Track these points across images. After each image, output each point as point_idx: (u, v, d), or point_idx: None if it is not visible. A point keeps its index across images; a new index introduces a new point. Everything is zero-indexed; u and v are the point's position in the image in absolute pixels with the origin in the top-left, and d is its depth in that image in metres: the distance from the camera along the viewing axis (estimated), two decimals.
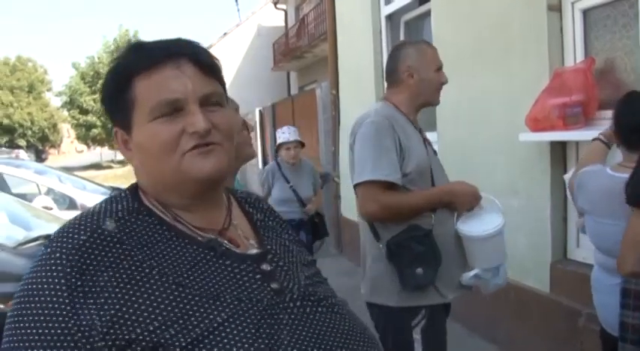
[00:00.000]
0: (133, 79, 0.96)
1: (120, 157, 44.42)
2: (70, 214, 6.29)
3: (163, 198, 1.01)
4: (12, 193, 7.07)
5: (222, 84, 1.05)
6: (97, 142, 40.31)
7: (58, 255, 0.88)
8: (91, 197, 7.37)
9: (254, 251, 1.05)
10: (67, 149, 70.75)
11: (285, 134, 5.13)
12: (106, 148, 44.01)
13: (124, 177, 24.27)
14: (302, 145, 5.19)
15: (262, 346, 0.88)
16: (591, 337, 3.15)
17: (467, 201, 2.33)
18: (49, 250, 0.90)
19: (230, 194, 1.16)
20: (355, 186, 2.30)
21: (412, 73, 2.38)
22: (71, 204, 7.32)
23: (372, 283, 2.35)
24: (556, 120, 3.25)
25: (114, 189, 8.46)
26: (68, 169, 12.08)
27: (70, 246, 0.89)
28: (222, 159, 0.98)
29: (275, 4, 23.63)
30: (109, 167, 36.19)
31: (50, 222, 4.88)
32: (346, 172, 6.99)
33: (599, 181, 2.30)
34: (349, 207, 6.97)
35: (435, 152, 2.51)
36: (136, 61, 0.97)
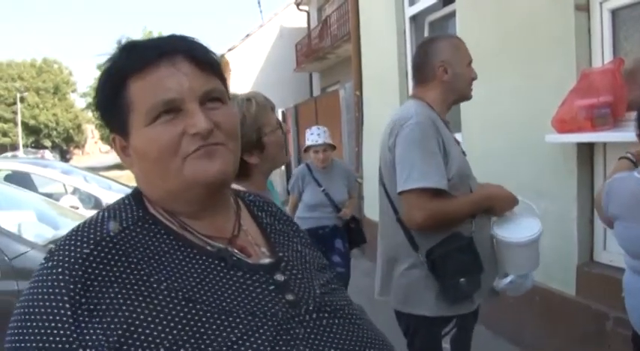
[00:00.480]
0: (127, 81, 0.91)
1: None
2: None
3: (168, 205, 0.95)
4: (39, 193, 7.18)
5: (223, 80, 0.99)
6: None
7: (60, 270, 0.82)
8: (116, 197, 7.44)
9: (266, 261, 1.00)
10: (91, 150, 71.64)
11: (313, 136, 4.72)
12: None
13: None
14: (332, 147, 4.82)
15: None
16: (619, 341, 3.12)
17: (506, 206, 2.29)
18: (49, 263, 0.84)
19: (238, 197, 1.11)
20: (400, 193, 2.17)
21: (446, 67, 2.30)
22: (97, 204, 7.40)
23: (405, 291, 2.25)
24: (584, 121, 3.22)
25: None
26: (92, 170, 12.21)
27: (72, 260, 0.83)
28: (227, 160, 0.93)
29: (297, 5, 23.69)
30: None
31: (77, 221, 4.96)
32: (369, 173, 7.03)
33: (627, 185, 2.30)
34: (372, 207, 6.96)
35: (464, 153, 2.43)
36: (128, 62, 0.92)
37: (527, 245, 2.24)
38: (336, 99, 8.91)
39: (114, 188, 8.33)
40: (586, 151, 3.49)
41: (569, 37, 3.46)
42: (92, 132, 61.29)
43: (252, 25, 46.38)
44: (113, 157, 53.13)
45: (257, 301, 0.90)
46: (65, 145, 54.90)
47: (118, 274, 0.84)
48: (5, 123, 50.50)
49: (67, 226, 4.56)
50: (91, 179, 8.59)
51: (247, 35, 25.43)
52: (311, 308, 0.95)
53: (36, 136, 51.84)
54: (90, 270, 0.83)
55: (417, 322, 2.23)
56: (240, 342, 0.83)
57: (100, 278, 0.83)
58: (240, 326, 0.85)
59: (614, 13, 3.36)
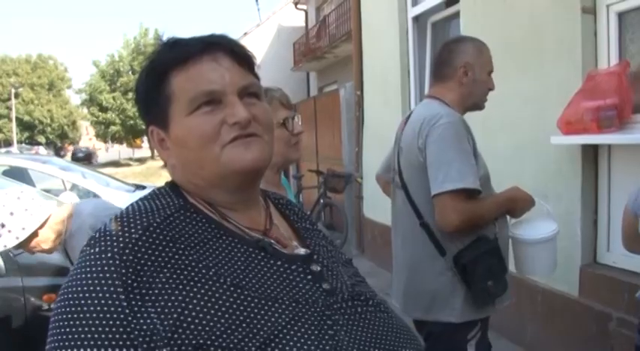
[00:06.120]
0: (170, 74, 0.95)
1: (137, 154, 44.79)
2: None
3: (207, 196, 0.98)
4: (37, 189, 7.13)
5: (257, 77, 1.04)
6: (116, 139, 40.64)
7: (109, 254, 0.82)
8: (115, 194, 7.44)
9: (302, 252, 1.02)
10: (86, 147, 71.47)
11: None
12: (124, 145, 44.42)
13: (142, 174, 24.52)
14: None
15: (327, 347, 0.86)
16: (622, 342, 3.14)
17: (525, 207, 2.27)
18: (97, 248, 0.84)
19: (265, 195, 1.14)
20: (436, 195, 2.08)
21: (468, 70, 2.24)
22: None
23: (431, 299, 2.19)
24: (589, 123, 3.23)
25: (137, 186, 8.52)
26: (89, 166, 12.18)
27: (122, 245, 0.84)
28: (263, 150, 0.96)
29: (296, 4, 23.66)
30: (128, 165, 36.50)
31: None
32: (369, 172, 7.02)
33: None
34: (371, 207, 6.98)
35: None
36: (172, 55, 0.96)
37: (541, 243, 2.26)
38: (335, 98, 8.89)
39: (112, 185, 8.31)
40: (591, 153, 3.51)
41: (575, 39, 3.47)
42: (87, 129, 61.14)
43: (250, 23, 46.35)
44: (107, 155, 53.07)
45: (298, 289, 0.93)
46: (60, 141, 54.77)
47: (167, 259, 0.85)
48: None
49: None
50: (89, 175, 8.55)
51: (245, 34, 25.38)
52: (346, 297, 0.98)
53: (30, 132, 51.71)
54: (140, 255, 0.83)
55: (441, 329, 2.18)
56: (289, 326, 0.85)
57: (149, 263, 0.83)
58: (287, 312, 0.87)
59: (621, 15, 3.37)
